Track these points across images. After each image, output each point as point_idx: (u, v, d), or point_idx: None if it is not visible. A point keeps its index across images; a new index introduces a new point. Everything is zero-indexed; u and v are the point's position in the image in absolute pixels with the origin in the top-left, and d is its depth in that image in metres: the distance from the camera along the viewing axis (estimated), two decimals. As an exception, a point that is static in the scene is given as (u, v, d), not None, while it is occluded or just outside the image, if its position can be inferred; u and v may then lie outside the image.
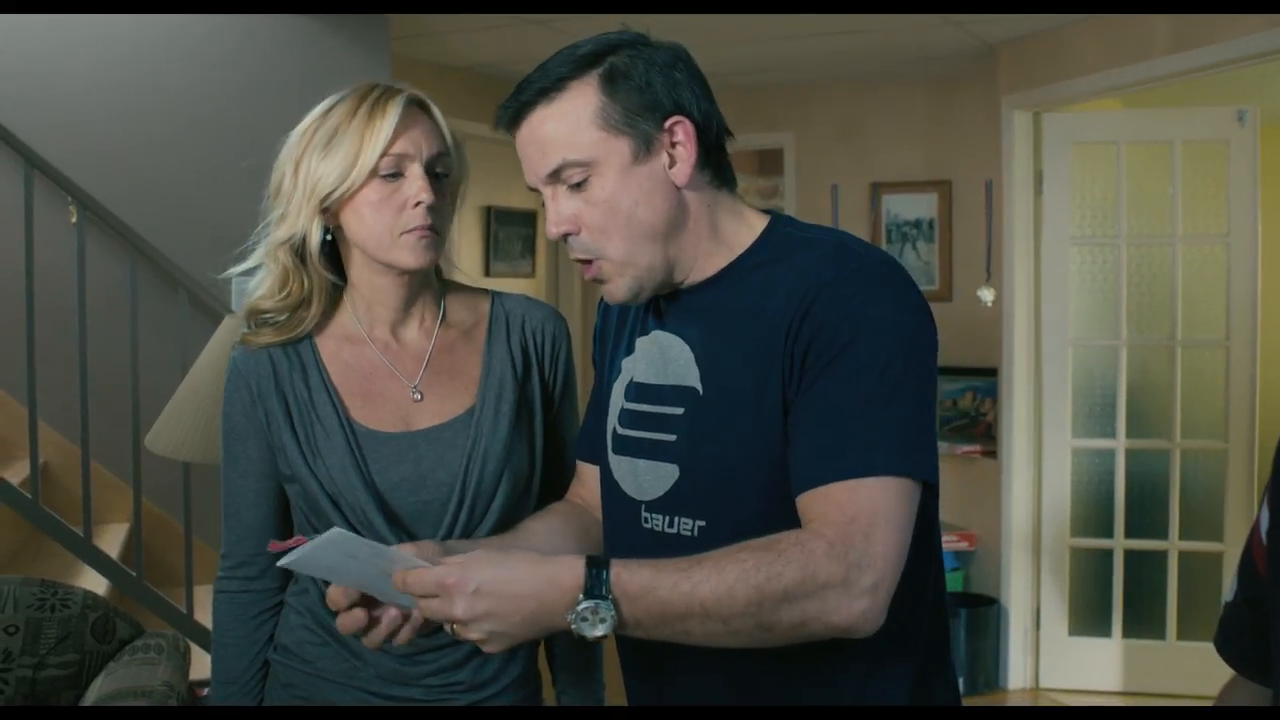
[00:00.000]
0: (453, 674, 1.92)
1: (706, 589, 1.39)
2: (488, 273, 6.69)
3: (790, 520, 1.51)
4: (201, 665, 3.74)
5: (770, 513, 1.55)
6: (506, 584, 1.40)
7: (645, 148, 1.56)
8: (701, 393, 1.61)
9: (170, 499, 4.26)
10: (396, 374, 1.93)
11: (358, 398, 1.92)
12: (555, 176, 1.57)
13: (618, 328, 1.79)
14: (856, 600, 1.41)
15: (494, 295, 2.04)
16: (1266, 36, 4.17)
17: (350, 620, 1.50)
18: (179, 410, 3.04)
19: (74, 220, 4.08)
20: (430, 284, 1.97)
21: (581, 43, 1.59)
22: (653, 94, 1.55)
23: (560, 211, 1.59)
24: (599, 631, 1.39)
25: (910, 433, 1.50)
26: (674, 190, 1.58)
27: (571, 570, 1.40)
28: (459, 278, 2.03)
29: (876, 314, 1.50)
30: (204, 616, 4.08)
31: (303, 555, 1.45)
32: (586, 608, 1.38)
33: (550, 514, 1.84)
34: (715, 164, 1.61)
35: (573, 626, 1.39)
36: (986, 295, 5.80)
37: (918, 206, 6.31)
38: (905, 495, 1.48)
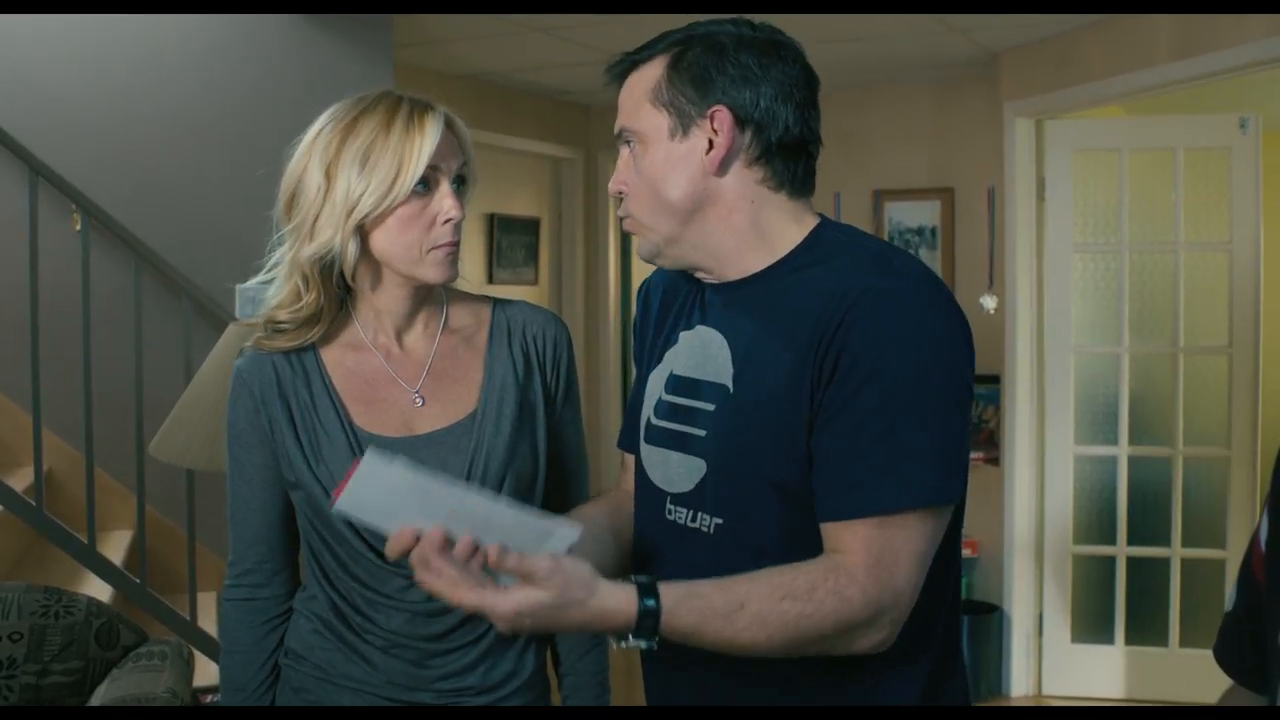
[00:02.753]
0: (463, 678, 1.93)
1: (747, 636, 1.46)
2: (491, 280, 6.70)
3: (807, 525, 1.55)
4: (205, 672, 3.76)
5: (788, 516, 1.58)
6: (556, 620, 1.45)
7: (682, 129, 1.62)
8: (732, 391, 1.63)
9: (174, 506, 4.26)
10: (398, 380, 1.94)
11: (360, 403, 1.92)
12: (619, 138, 1.68)
13: (659, 320, 1.83)
14: (877, 634, 1.50)
15: (495, 302, 2.05)
16: (1269, 44, 4.17)
17: (399, 545, 1.49)
18: (183, 417, 3.05)
19: (78, 227, 4.09)
20: (435, 292, 1.98)
21: (692, 23, 1.67)
22: (707, 82, 1.61)
23: (619, 171, 1.69)
24: (634, 649, 1.47)
25: (939, 459, 1.52)
26: (704, 175, 1.62)
27: (626, 609, 1.44)
28: (463, 285, 2.04)
29: (909, 334, 1.52)
30: (208, 623, 4.08)
31: (360, 485, 1.48)
32: (633, 645, 1.46)
33: (601, 503, 1.89)
34: (777, 166, 1.64)
35: (611, 643, 1.48)
36: (989, 302, 5.80)
37: (920, 214, 6.32)
38: (931, 525, 1.51)
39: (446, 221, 1.85)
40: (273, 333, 1.93)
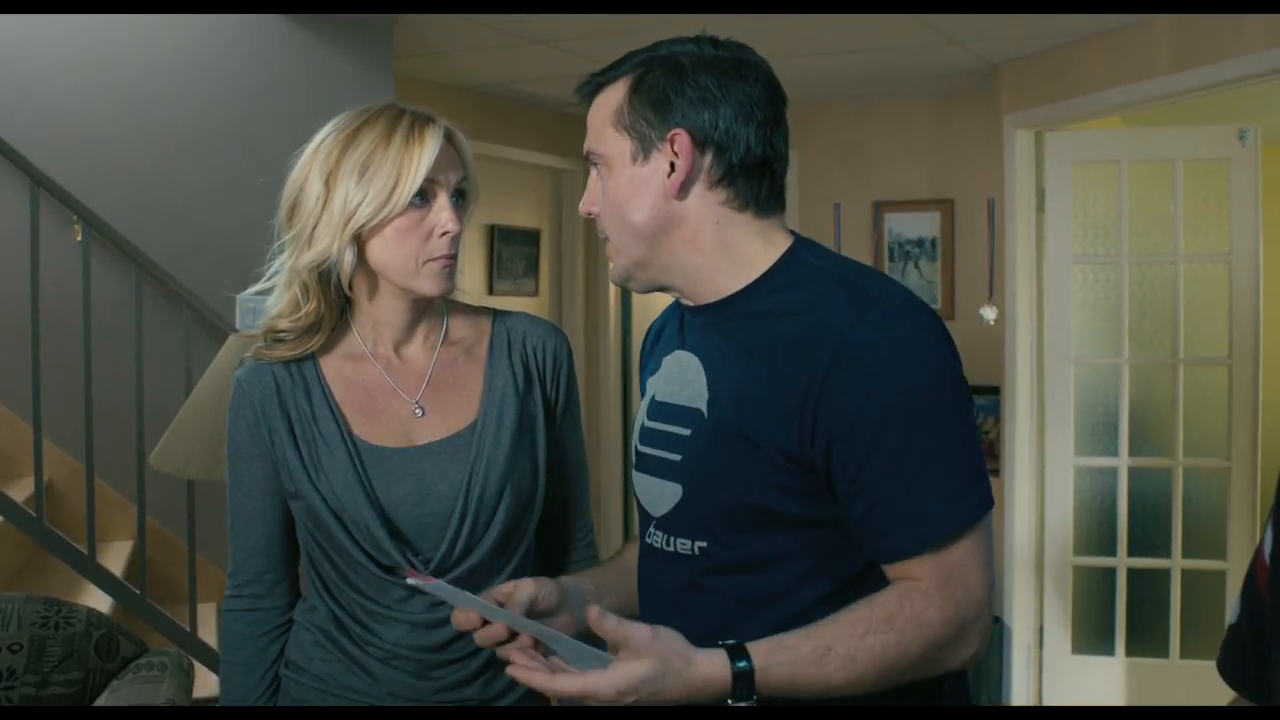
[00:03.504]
0: (462, 690, 1.93)
1: (840, 677, 1.48)
2: (491, 291, 6.70)
3: (786, 546, 1.58)
4: (205, 683, 3.75)
5: (767, 538, 1.59)
6: (658, 694, 1.46)
7: (643, 153, 1.62)
8: (706, 416, 1.63)
9: (174, 517, 4.26)
10: (398, 390, 1.94)
11: (360, 414, 1.93)
12: (587, 159, 1.69)
13: (651, 349, 1.84)
14: (969, 647, 1.54)
15: (495, 313, 2.06)
16: (1268, 56, 4.18)
17: (466, 619, 1.58)
18: (183, 428, 3.05)
19: (79, 238, 4.09)
20: (434, 303, 1.98)
21: (657, 43, 1.67)
22: (666, 105, 1.60)
23: (589, 192, 1.70)
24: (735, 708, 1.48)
25: (968, 476, 1.56)
26: (666, 198, 1.62)
27: (720, 675, 1.46)
28: (462, 297, 2.04)
29: (903, 368, 1.52)
30: (208, 634, 4.08)
31: (434, 588, 1.59)
32: (735, 706, 1.47)
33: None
34: (740, 187, 1.63)
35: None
36: (989, 314, 5.80)
37: (920, 225, 6.33)
38: (982, 534, 1.55)
39: (443, 234, 1.85)
40: (272, 342, 1.93)
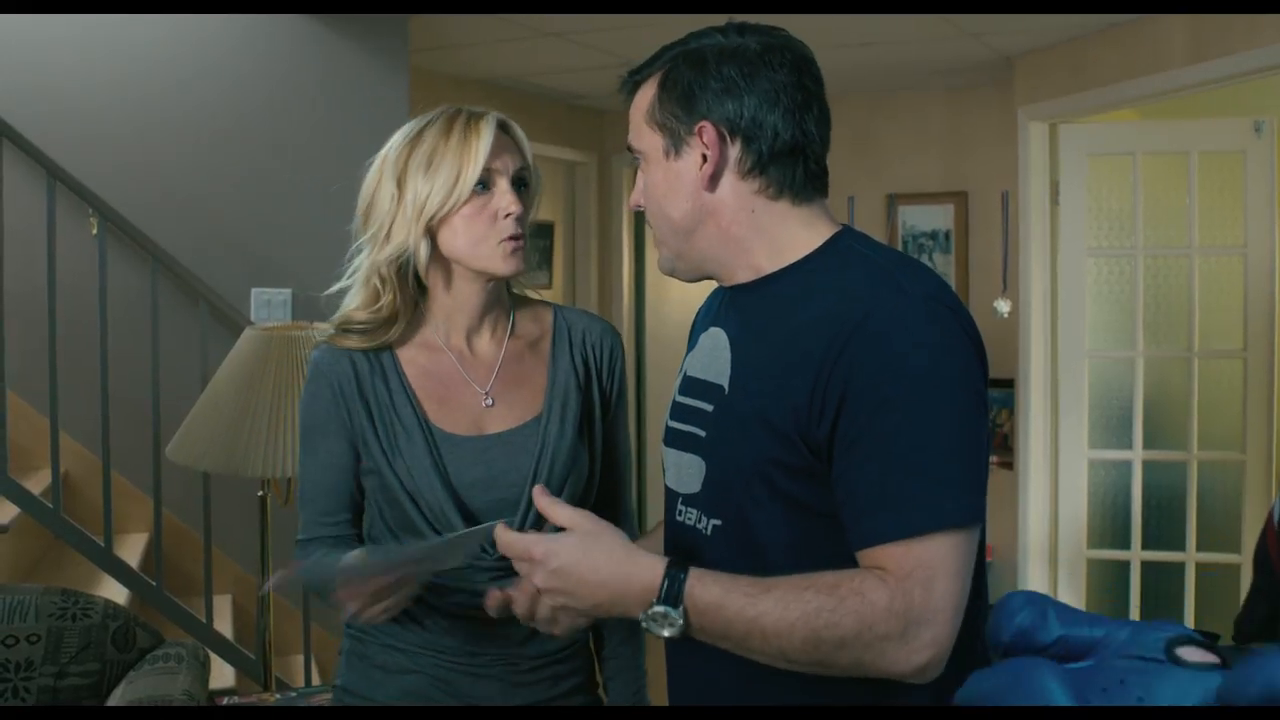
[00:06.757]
0: (522, 648, 2.04)
1: (769, 620, 1.46)
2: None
3: (802, 530, 1.57)
4: (221, 674, 3.77)
5: (781, 518, 1.59)
6: (586, 571, 1.52)
7: (675, 148, 1.65)
8: (726, 392, 1.65)
9: (190, 509, 4.28)
10: (469, 381, 2.06)
11: (434, 402, 2.04)
12: (631, 153, 1.71)
13: (702, 328, 1.84)
14: (916, 654, 1.45)
15: (556, 309, 2.18)
16: (1283, 48, 4.17)
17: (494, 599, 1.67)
18: (199, 421, 3.07)
19: (95, 232, 4.11)
20: (502, 297, 2.10)
21: (687, 36, 1.68)
22: (692, 99, 1.62)
23: (636, 187, 1.73)
24: (666, 633, 1.49)
25: (959, 479, 1.50)
26: (699, 191, 1.64)
27: (650, 572, 1.50)
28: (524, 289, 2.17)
29: (916, 360, 1.50)
30: (224, 626, 4.10)
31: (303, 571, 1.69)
32: (658, 611, 1.48)
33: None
34: (772, 174, 1.63)
35: (643, 625, 1.50)
36: (1003, 306, 5.80)
37: (934, 218, 6.32)
38: (962, 543, 1.49)
39: (507, 215, 1.98)
40: (344, 333, 2.04)
